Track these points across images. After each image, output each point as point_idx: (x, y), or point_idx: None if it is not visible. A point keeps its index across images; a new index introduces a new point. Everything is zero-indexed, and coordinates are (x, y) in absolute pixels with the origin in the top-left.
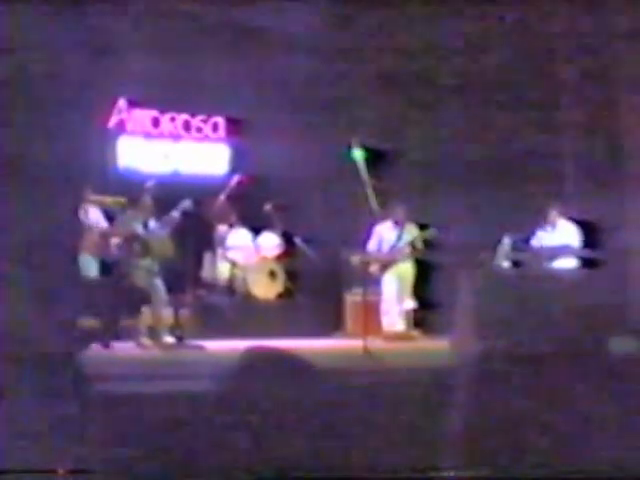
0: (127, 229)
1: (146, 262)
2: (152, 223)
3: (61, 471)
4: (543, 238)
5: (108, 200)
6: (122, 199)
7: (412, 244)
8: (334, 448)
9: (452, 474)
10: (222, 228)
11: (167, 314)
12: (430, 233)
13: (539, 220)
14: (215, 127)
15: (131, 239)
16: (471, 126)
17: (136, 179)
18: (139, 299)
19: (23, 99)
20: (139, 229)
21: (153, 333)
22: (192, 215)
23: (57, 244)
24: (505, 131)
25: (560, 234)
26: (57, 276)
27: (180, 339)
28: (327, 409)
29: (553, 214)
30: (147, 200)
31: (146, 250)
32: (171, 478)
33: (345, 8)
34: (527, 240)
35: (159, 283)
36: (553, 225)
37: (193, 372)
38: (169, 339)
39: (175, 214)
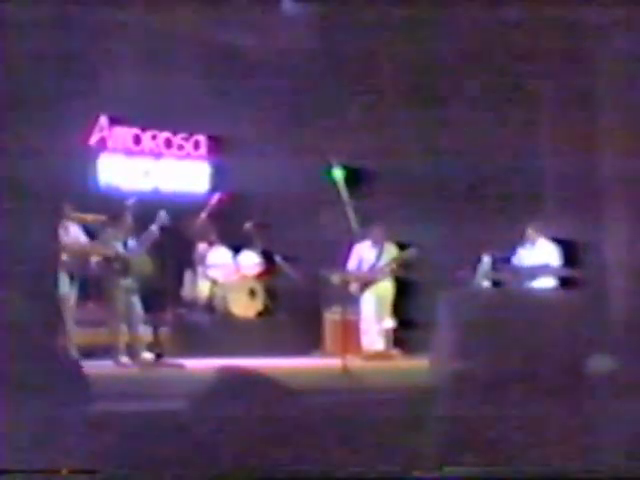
0: (107, 247)
1: (125, 281)
2: (131, 241)
3: (62, 471)
4: (522, 257)
5: (89, 217)
6: (103, 217)
7: (390, 263)
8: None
9: (449, 474)
10: (202, 246)
11: (147, 332)
12: (409, 253)
13: (518, 239)
14: (196, 145)
15: (110, 257)
16: (450, 145)
17: (117, 196)
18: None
19: None
20: (119, 247)
21: (131, 351)
22: (173, 233)
23: (36, 262)
24: (485, 150)
25: (539, 253)
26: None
27: (159, 357)
28: (305, 428)
29: (531, 233)
30: (127, 218)
31: (125, 268)
32: None
33: (326, 26)
34: (507, 259)
35: (137, 302)
36: (532, 244)
37: (172, 391)
38: (148, 357)
39: (154, 228)
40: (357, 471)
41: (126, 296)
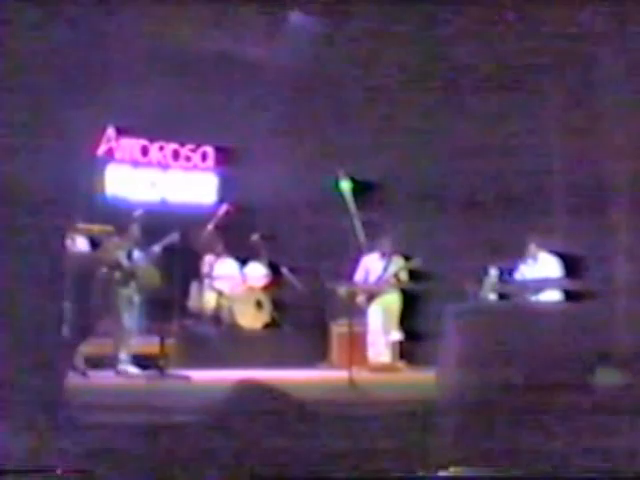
0: (110, 257)
1: (128, 291)
2: (137, 253)
3: (59, 471)
4: (524, 271)
5: (95, 229)
6: (109, 228)
7: (397, 275)
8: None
9: (451, 474)
10: (209, 258)
11: (153, 343)
12: (415, 263)
13: (521, 254)
14: (204, 156)
15: (114, 267)
16: (458, 157)
17: (124, 207)
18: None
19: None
20: (122, 257)
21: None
22: (179, 245)
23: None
24: (492, 162)
25: (541, 267)
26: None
27: (162, 369)
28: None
29: (532, 247)
30: (135, 230)
31: (129, 279)
32: None
33: (334, 38)
34: (513, 272)
35: (136, 313)
36: (534, 258)
37: (177, 403)
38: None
39: (156, 249)
40: (359, 472)
41: (127, 307)
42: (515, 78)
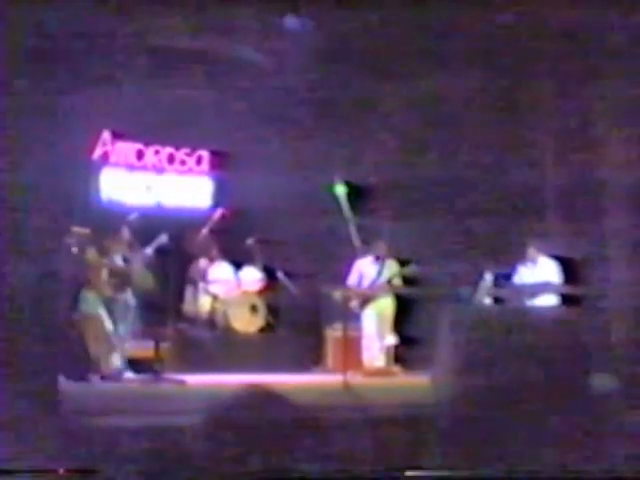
0: (106, 260)
1: (123, 295)
2: (129, 256)
3: (61, 471)
4: (523, 275)
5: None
6: (105, 232)
7: (391, 280)
8: None
9: (451, 474)
10: (204, 261)
11: (148, 347)
12: (410, 269)
13: (520, 257)
14: (199, 160)
15: (110, 271)
16: (452, 162)
17: (119, 211)
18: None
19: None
20: (119, 261)
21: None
22: (173, 248)
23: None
24: (487, 167)
25: (540, 271)
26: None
27: (157, 372)
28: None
29: (532, 251)
30: (126, 233)
31: (124, 283)
32: None
33: (330, 41)
34: (508, 276)
35: (131, 317)
36: (533, 262)
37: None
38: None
39: (148, 251)
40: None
41: (125, 310)
42: (513, 80)
